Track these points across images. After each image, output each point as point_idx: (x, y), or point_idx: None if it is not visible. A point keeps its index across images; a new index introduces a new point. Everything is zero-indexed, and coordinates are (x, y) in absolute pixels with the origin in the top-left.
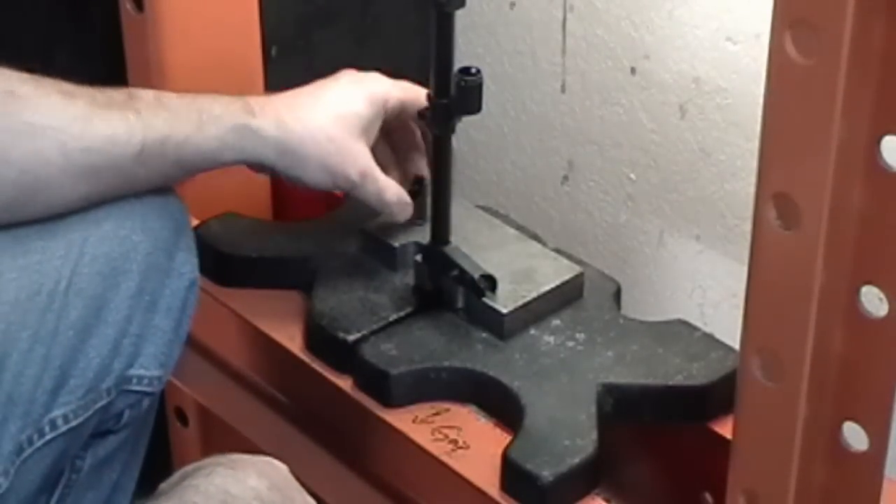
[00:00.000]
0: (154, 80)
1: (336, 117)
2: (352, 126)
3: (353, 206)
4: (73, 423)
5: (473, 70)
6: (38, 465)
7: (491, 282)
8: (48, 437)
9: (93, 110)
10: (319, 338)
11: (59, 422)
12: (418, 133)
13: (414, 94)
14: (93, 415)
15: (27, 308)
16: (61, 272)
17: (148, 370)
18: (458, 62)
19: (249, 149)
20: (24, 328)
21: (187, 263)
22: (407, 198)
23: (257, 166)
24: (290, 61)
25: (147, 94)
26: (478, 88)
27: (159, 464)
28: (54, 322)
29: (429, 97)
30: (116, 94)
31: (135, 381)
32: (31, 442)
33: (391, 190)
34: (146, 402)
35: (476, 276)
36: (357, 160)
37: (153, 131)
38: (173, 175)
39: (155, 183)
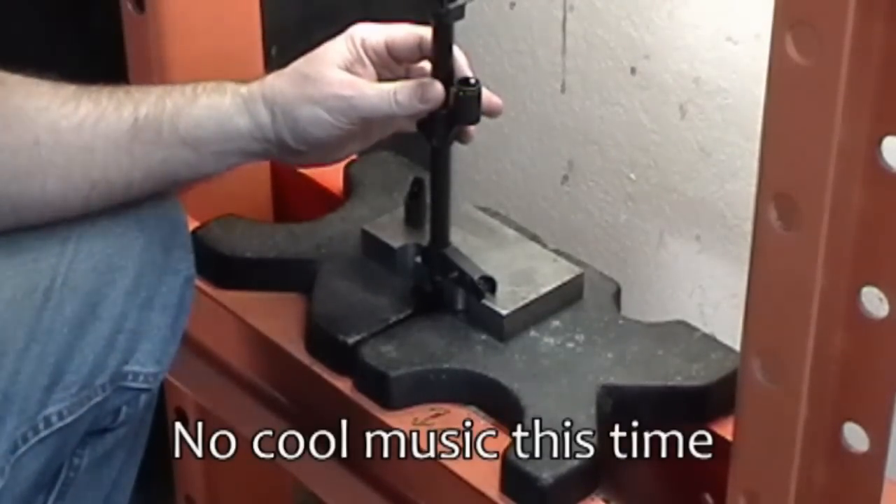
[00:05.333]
0: (155, 80)
1: (306, 59)
2: (323, 59)
3: (353, 207)
4: (68, 420)
5: (472, 80)
6: (34, 462)
7: (490, 283)
8: (43, 433)
9: (82, 92)
10: (319, 340)
11: (54, 418)
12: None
13: (401, 31)
14: (88, 411)
15: (23, 306)
16: (57, 269)
17: (144, 367)
18: None
19: (243, 119)
20: (21, 326)
21: (184, 260)
22: (420, 83)
23: (253, 132)
24: (291, 61)
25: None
26: (476, 99)
27: (159, 464)
28: (50, 319)
29: None
30: (107, 86)
31: (130, 377)
32: (25, 439)
33: (400, 90)
34: (143, 399)
35: (476, 277)
36: (336, 78)
37: (144, 105)
38: (174, 154)
39: (155, 166)
